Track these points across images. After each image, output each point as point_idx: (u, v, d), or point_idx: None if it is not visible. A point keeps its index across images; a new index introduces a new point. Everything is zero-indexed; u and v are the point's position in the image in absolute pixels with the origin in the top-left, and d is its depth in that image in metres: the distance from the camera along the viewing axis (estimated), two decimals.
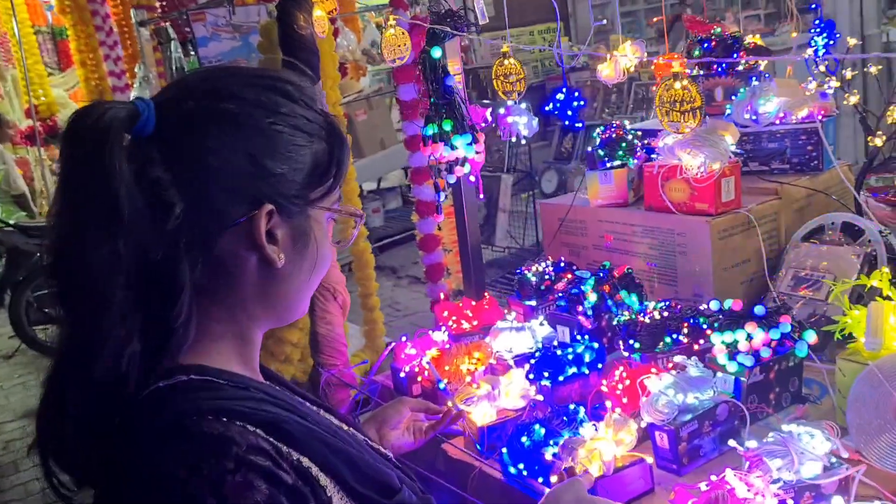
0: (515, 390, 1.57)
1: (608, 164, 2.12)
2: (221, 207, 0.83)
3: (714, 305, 1.63)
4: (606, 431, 1.40)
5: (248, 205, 0.84)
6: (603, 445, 1.36)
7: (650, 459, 1.39)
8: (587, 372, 1.65)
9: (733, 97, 2.24)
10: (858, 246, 1.85)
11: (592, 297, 1.85)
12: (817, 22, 2.38)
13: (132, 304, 0.78)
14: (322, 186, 0.90)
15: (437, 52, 1.81)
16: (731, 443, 1.33)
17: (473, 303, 2.10)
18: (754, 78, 2.22)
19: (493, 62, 2.00)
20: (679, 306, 1.72)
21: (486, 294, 2.17)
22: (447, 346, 1.83)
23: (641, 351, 1.65)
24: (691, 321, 1.66)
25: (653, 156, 2.02)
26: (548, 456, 1.37)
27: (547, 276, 2.03)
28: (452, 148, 1.79)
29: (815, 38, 2.36)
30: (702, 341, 1.62)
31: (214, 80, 0.88)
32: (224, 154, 0.83)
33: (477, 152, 1.85)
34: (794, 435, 1.27)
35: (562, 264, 2.08)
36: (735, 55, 2.29)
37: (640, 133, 2.18)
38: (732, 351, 1.52)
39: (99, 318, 0.77)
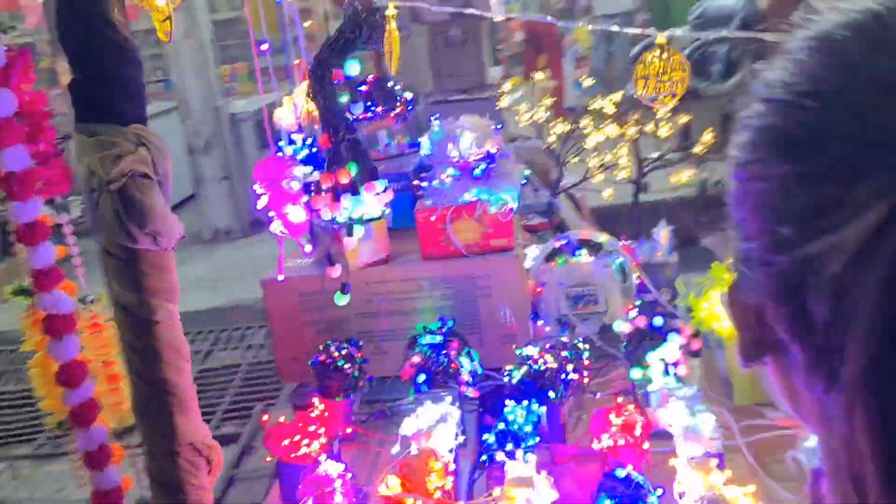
0: None
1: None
2: None
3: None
4: None
5: None
6: None
7: None
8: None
9: (420, 138, 2.20)
10: (600, 258, 2.06)
11: (467, 362, 1.57)
12: None
13: None
14: None
15: (353, 68, 1.24)
16: None
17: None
18: (434, 117, 2.23)
19: None
20: (551, 345, 1.63)
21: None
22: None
23: (561, 400, 1.50)
24: (582, 356, 1.59)
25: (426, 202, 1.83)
26: None
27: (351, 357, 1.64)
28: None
29: None
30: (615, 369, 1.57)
31: None
32: None
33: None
34: None
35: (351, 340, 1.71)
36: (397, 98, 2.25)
37: None
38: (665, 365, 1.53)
39: None
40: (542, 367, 1.53)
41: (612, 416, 1.37)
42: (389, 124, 2.28)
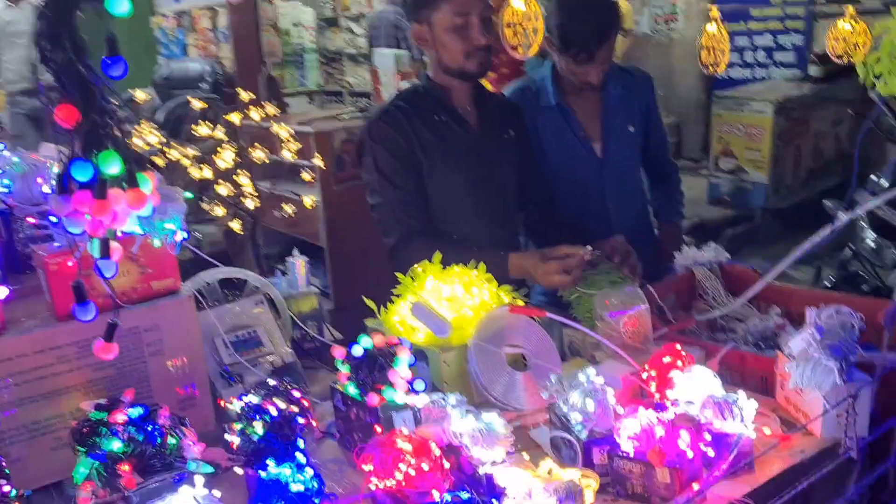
0: None
1: None
2: None
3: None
4: None
5: None
6: None
7: None
8: None
9: None
10: (247, 297, 1.81)
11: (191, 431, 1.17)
12: None
13: None
14: None
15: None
16: None
17: None
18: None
19: None
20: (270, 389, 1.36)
21: None
22: None
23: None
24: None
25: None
26: None
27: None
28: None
29: None
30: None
31: None
32: None
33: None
34: None
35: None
36: None
37: None
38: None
39: None
40: (280, 413, 1.28)
41: (394, 447, 1.22)
42: None
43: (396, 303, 1.68)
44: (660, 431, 1.21)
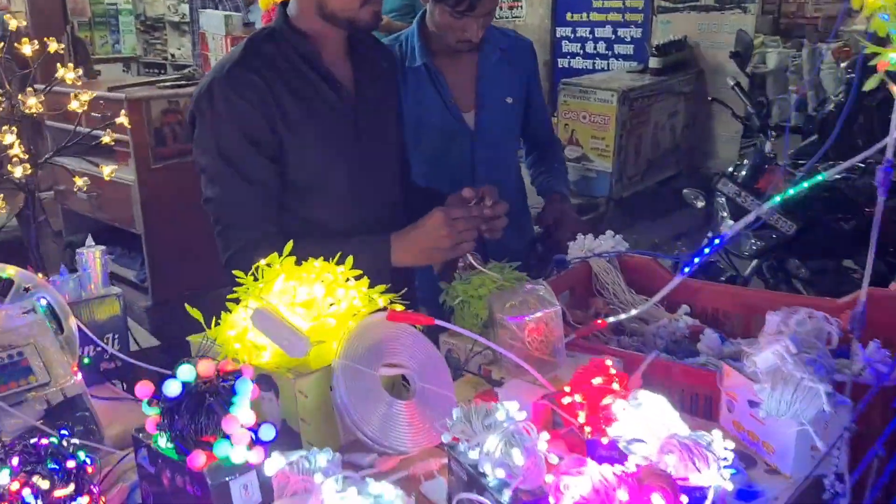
0: None
1: None
2: None
3: None
4: None
5: None
6: None
7: None
8: None
9: None
10: (15, 302, 1.26)
11: None
12: None
13: None
14: None
15: None
16: None
17: None
18: None
19: None
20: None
21: None
22: None
23: None
24: None
25: None
26: None
27: None
28: None
29: None
30: None
31: None
32: None
33: None
34: None
35: None
36: None
37: None
38: None
39: None
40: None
41: None
42: None
43: (233, 310, 1.22)
44: (623, 496, 0.85)
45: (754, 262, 3.60)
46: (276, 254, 1.25)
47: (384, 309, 1.27)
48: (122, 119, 3.07)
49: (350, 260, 1.29)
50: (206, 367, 0.99)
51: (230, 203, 1.57)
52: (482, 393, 1.29)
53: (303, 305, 1.21)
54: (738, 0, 6.62)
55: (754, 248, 3.50)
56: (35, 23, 4.98)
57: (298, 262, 1.28)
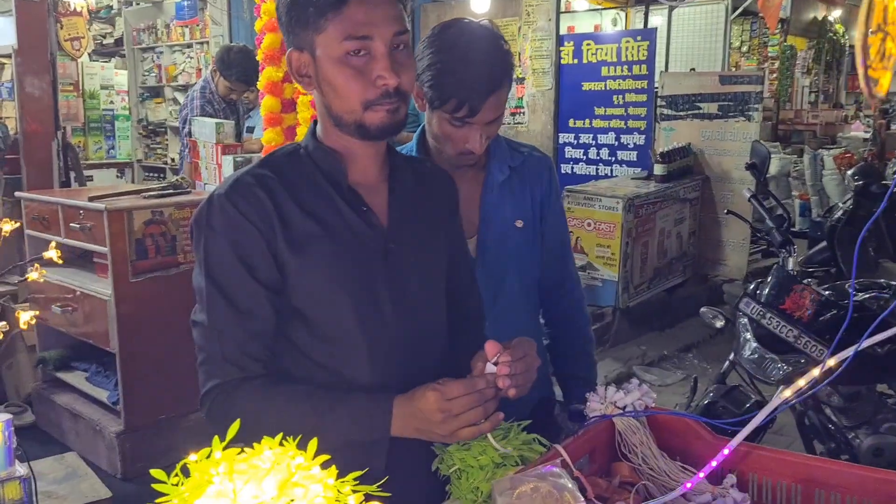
0: None
1: None
2: None
3: None
4: None
5: None
6: None
7: None
8: None
9: None
10: None
11: None
12: None
13: None
14: None
15: None
16: None
17: None
18: None
19: None
20: None
21: None
22: None
23: None
24: None
25: None
26: None
27: None
28: None
29: None
30: None
31: None
32: None
33: None
34: None
35: None
36: None
37: None
38: None
39: None
40: None
41: None
42: None
43: None
44: None
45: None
46: (217, 438, 0.97)
47: None
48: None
49: (314, 442, 1.01)
50: None
51: (213, 331, 1.32)
52: None
53: None
54: (741, 109, 6.56)
55: (781, 373, 3.21)
56: (27, 129, 4.87)
57: (263, 429, 1.01)
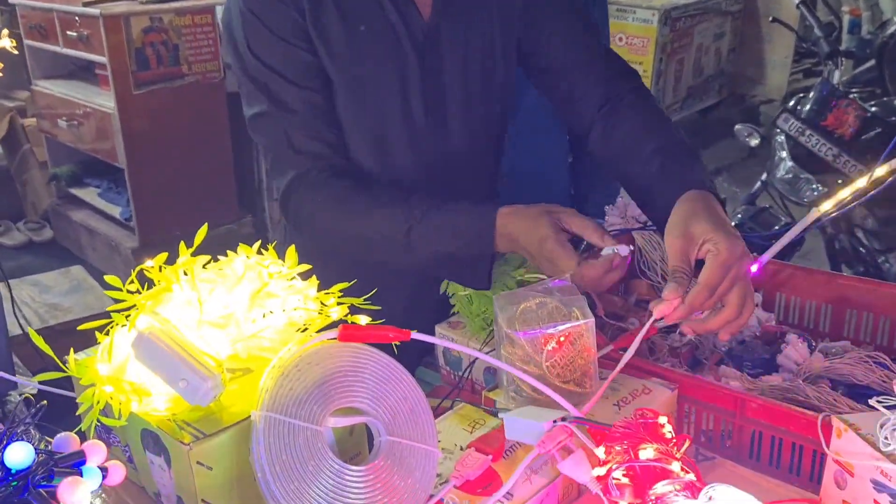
0: None
1: None
2: None
3: None
4: None
5: None
6: None
7: None
8: None
9: None
10: None
11: None
12: None
13: None
14: None
15: None
16: None
17: None
18: None
19: None
20: None
21: None
22: None
23: None
24: None
25: None
26: None
27: None
28: None
29: None
30: None
31: None
32: None
33: None
34: None
35: None
36: None
37: None
38: None
39: None
40: None
41: None
42: None
43: (112, 333, 0.84)
44: None
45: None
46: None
47: (337, 324, 0.88)
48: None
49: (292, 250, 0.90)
50: (19, 454, 0.61)
51: (269, 123, 1.22)
52: (479, 441, 0.91)
53: (215, 325, 0.83)
54: None
55: (816, 193, 3.04)
56: None
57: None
